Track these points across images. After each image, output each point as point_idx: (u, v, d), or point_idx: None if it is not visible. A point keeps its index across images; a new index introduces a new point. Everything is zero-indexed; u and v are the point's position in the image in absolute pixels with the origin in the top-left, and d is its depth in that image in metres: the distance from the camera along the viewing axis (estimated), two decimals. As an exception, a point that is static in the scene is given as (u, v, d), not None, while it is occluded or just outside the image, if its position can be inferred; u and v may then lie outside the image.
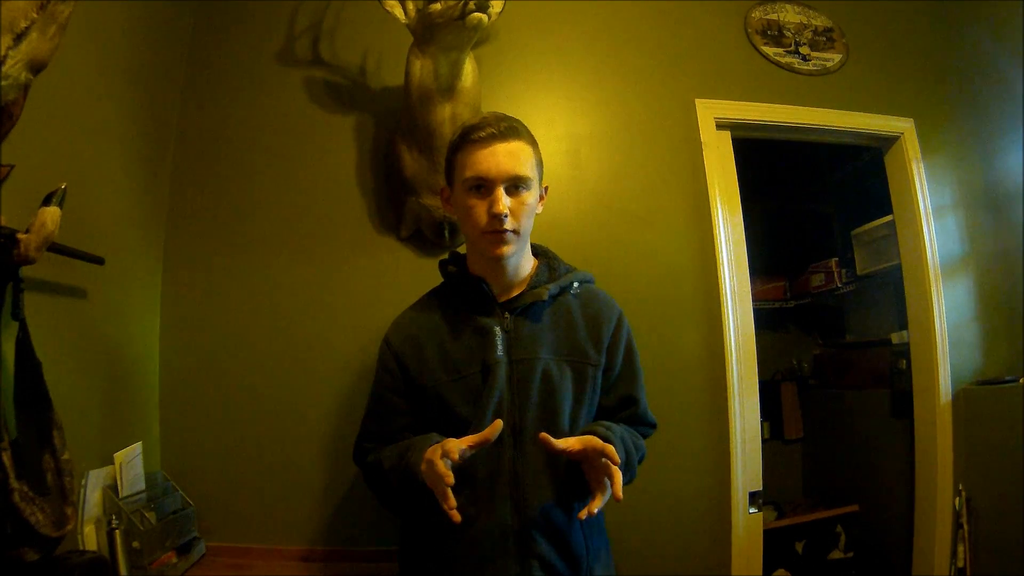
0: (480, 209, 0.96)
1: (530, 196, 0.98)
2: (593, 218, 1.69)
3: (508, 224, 0.95)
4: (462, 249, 1.13)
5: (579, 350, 1.02)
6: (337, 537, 1.46)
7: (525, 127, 1.00)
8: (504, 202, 0.94)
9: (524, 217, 0.97)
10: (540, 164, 1.02)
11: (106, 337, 1.28)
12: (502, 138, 0.95)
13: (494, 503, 0.93)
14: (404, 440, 0.99)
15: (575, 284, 1.08)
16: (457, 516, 0.81)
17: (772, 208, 2.95)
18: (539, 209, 1.03)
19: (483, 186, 0.95)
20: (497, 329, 0.99)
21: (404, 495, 0.92)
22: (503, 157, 0.94)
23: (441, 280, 1.12)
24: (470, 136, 0.96)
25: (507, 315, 1.01)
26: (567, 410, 0.98)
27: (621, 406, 1.07)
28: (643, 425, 1.09)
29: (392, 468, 0.93)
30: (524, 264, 1.05)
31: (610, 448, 0.84)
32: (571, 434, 0.96)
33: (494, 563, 0.92)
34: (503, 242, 0.96)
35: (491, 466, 0.93)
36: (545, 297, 1.01)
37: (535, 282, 1.04)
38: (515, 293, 1.04)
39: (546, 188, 1.07)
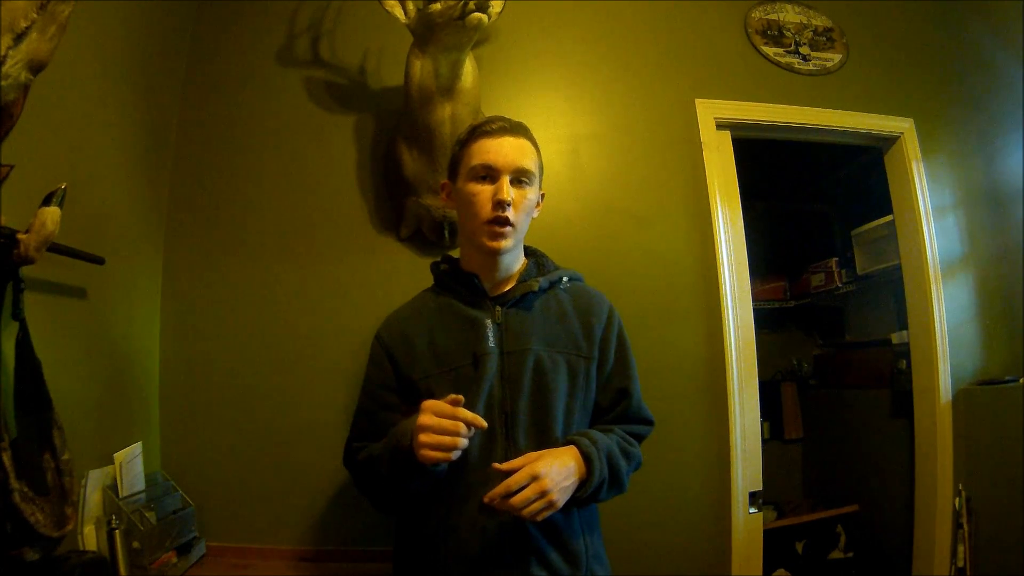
0: (484, 196, 0.97)
1: (531, 192, 1.01)
2: (593, 218, 1.69)
3: (509, 215, 0.96)
4: (455, 253, 1.14)
5: (572, 342, 1.02)
6: (337, 537, 1.46)
7: (531, 132, 1.04)
8: (509, 191, 0.96)
9: (523, 212, 1.00)
10: (541, 169, 1.05)
11: (106, 337, 1.28)
12: (512, 132, 0.99)
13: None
14: None
15: (564, 279, 1.09)
16: (483, 423, 0.81)
17: (772, 208, 2.95)
18: (535, 213, 1.06)
19: (489, 175, 0.98)
20: (488, 321, 1.00)
21: (397, 481, 0.90)
22: (510, 149, 0.98)
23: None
24: (481, 128, 1.00)
25: (498, 308, 1.01)
26: (560, 401, 0.98)
27: (615, 402, 1.06)
28: (638, 422, 1.06)
29: (382, 453, 0.91)
30: (515, 262, 1.07)
31: (508, 466, 0.85)
32: (565, 425, 0.97)
33: (490, 558, 0.91)
34: (502, 236, 0.97)
35: (484, 458, 0.92)
36: (536, 288, 1.02)
37: (524, 277, 1.06)
38: (505, 288, 1.05)
39: (543, 195, 1.08)
